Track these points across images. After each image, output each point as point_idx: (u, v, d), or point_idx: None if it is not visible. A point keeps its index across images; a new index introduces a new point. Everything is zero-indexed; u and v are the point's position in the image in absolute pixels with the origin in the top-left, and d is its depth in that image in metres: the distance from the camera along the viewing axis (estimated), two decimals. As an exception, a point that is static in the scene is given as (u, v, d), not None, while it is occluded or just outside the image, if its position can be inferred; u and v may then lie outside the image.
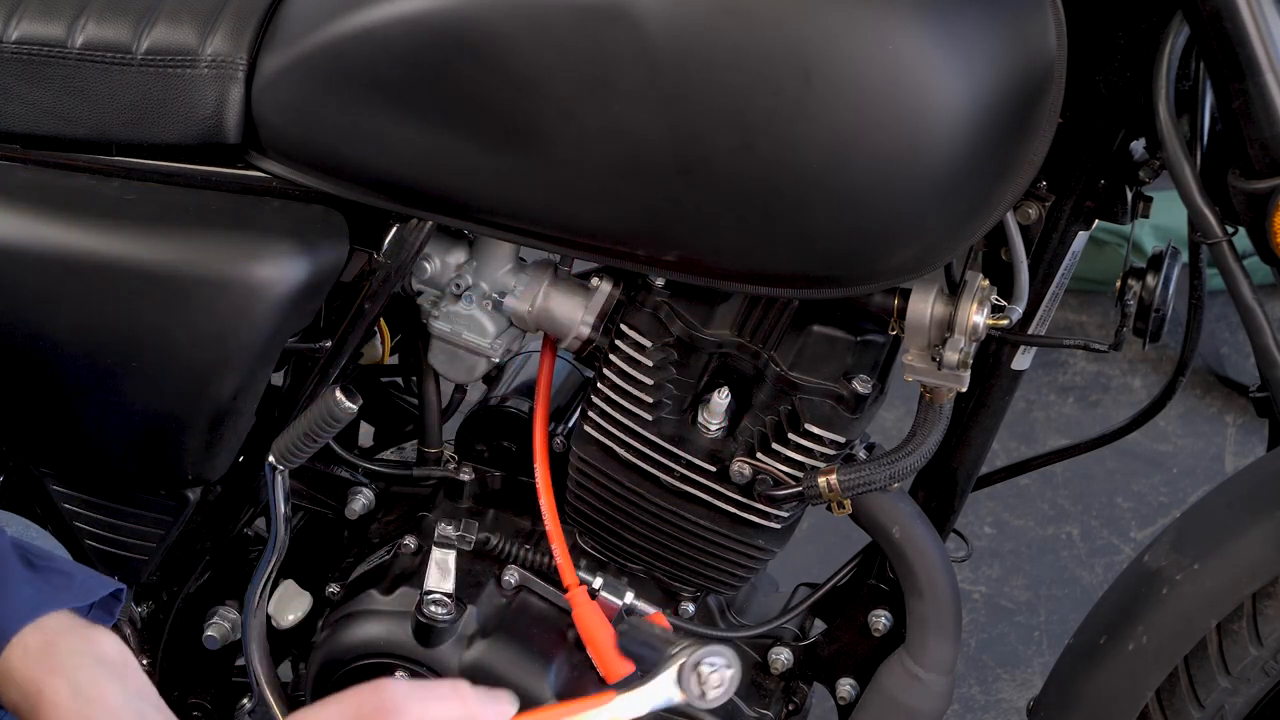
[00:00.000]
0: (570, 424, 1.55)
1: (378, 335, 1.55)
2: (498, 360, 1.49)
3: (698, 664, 1.22)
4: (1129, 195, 1.39)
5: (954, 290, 1.33)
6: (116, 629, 1.25)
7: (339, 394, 1.27)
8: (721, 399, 1.39)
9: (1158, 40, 1.25)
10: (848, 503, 1.40)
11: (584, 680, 1.47)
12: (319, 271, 1.38)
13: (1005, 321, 1.31)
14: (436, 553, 1.44)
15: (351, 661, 1.50)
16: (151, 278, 1.37)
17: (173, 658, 1.61)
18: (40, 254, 1.38)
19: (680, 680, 1.22)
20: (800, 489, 1.39)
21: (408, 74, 1.29)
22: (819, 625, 1.62)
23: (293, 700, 1.51)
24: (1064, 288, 1.44)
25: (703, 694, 1.21)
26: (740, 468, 1.41)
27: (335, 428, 1.30)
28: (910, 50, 1.18)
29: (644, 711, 1.22)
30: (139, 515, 1.55)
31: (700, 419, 1.41)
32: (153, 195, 1.41)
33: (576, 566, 1.47)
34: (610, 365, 1.42)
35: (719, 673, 1.22)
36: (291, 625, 1.56)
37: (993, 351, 1.46)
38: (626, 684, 1.24)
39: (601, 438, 1.44)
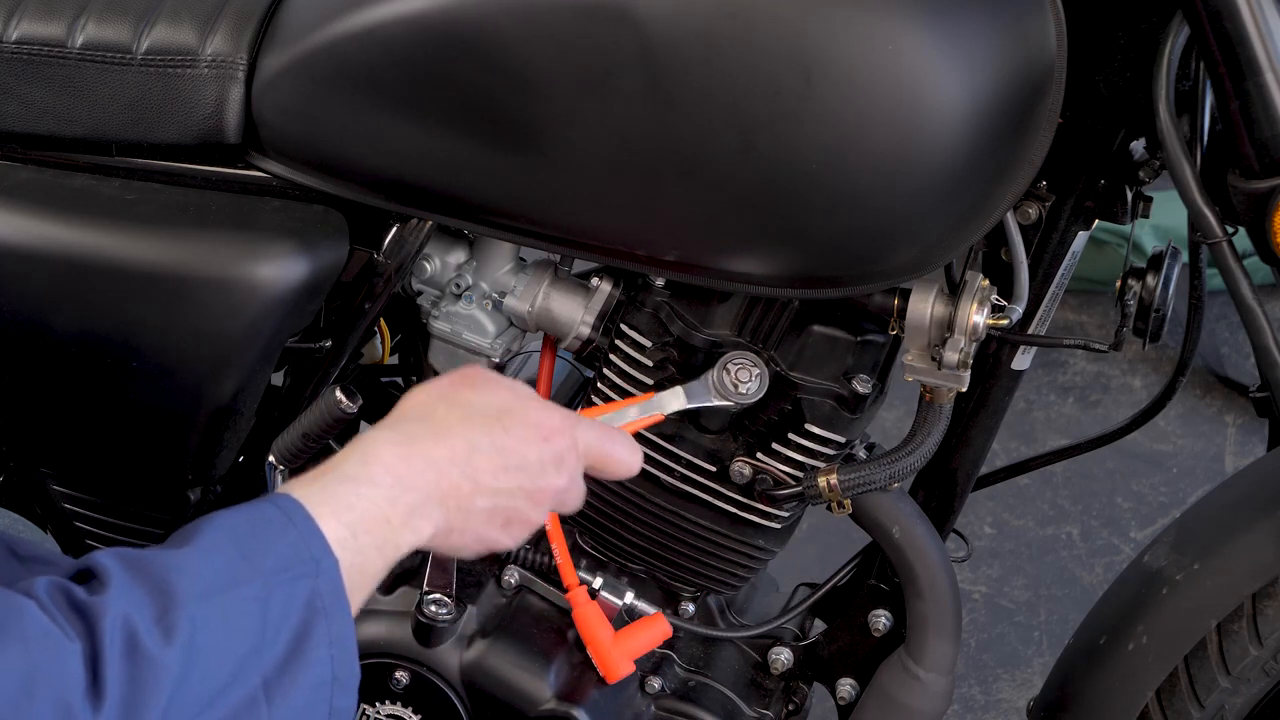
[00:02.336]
0: (570, 424, 1.55)
1: (378, 335, 1.55)
2: (498, 360, 1.49)
3: (726, 365, 1.33)
4: (1129, 195, 1.39)
5: (954, 290, 1.33)
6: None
7: (339, 394, 1.27)
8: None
9: (1158, 40, 1.25)
10: (848, 503, 1.40)
11: (584, 680, 1.47)
12: (319, 271, 1.38)
13: (1005, 321, 1.31)
14: (436, 553, 1.44)
15: (351, 661, 1.50)
16: (151, 278, 1.37)
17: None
18: (40, 254, 1.38)
19: (715, 381, 1.34)
20: (800, 489, 1.39)
21: (408, 74, 1.29)
22: (819, 625, 1.62)
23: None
24: (1064, 288, 1.44)
25: (736, 388, 1.33)
26: (740, 468, 1.41)
27: (335, 428, 1.30)
28: (910, 50, 1.18)
29: (682, 407, 1.35)
30: (139, 515, 1.55)
31: (700, 419, 1.41)
32: (153, 195, 1.41)
33: (576, 566, 1.47)
34: (610, 365, 1.42)
35: (746, 369, 1.33)
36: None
37: (993, 351, 1.46)
38: (664, 386, 1.36)
39: (601, 438, 1.44)
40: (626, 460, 1.20)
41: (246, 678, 0.95)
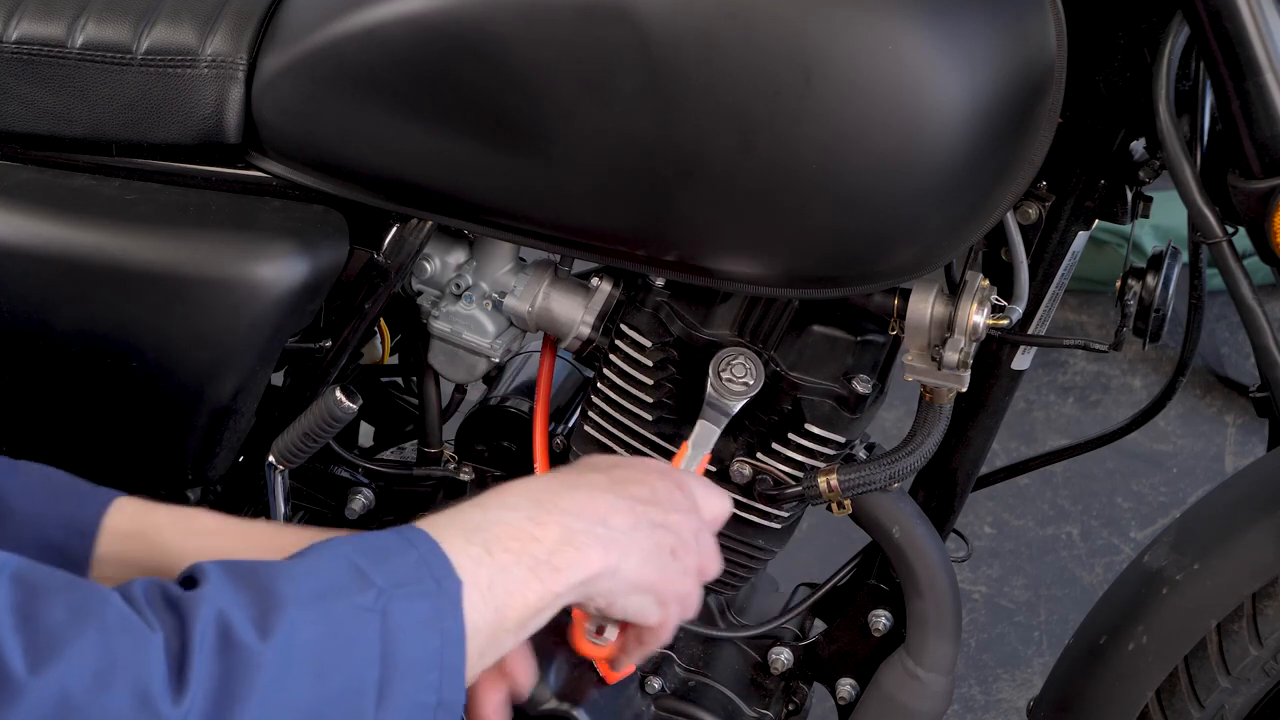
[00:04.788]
0: (570, 424, 1.55)
1: (378, 335, 1.55)
2: (498, 360, 1.49)
3: (719, 369, 1.35)
4: (1129, 195, 1.39)
5: (954, 290, 1.33)
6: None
7: (339, 394, 1.27)
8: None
9: (1158, 40, 1.25)
10: (848, 503, 1.40)
11: (584, 680, 1.47)
12: (319, 271, 1.38)
13: (1005, 321, 1.31)
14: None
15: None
16: (151, 278, 1.37)
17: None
18: (40, 254, 1.38)
19: (717, 389, 1.35)
20: (800, 489, 1.39)
21: (408, 74, 1.29)
22: (819, 625, 1.62)
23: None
24: (1064, 288, 1.44)
25: (740, 384, 1.35)
26: (740, 468, 1.41)
27: (335, 428, 1.30)
28: (910, 50, 1.18)
29: (718, 430, 1.36)
30: (139, 515, 1.55)
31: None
32: (153, 195, 1.41)
33: (576, 566, 1.47)
34: (610, 365, 1.42)
35: (740, 365, 1.35)
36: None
37: (993, 351, 1.46)
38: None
39: (601, 437, 1.44)
40: (724, 503, 1.20)
41: (352, 690, 0.92)
